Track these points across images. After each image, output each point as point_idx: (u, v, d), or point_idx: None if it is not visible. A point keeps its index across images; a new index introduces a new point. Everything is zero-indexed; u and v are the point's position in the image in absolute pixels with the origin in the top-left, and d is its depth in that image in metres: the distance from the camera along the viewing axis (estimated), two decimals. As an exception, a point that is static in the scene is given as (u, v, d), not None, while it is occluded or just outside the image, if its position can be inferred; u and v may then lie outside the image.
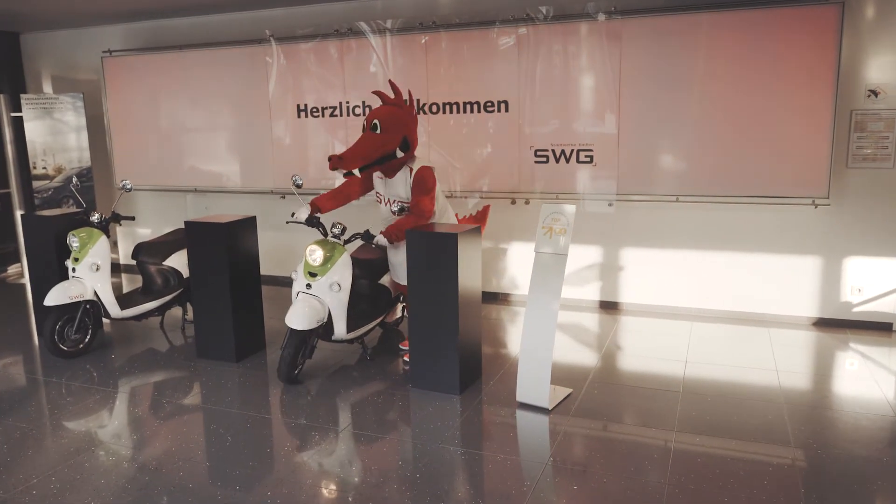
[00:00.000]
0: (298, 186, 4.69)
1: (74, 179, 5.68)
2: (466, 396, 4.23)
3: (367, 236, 4.43)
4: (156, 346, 5.33)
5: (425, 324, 4.26)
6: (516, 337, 5.41)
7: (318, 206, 4.64)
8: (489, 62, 5.91)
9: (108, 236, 5.20)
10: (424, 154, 6.17)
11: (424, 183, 4.51)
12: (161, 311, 5.44)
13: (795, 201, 5.28)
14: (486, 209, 5.43)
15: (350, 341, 4.69)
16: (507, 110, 5.93)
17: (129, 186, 5.29)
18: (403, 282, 4.71)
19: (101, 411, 4.14)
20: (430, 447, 3.59)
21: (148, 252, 5.41)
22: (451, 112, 6.12)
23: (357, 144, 4.43)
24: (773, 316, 5.66)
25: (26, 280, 7.68)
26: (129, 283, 7.45)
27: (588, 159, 5.75)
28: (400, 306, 5.41)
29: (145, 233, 7.76)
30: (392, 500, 3.10)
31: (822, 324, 5.54)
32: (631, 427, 3.82)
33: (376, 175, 4.75)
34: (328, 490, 3.22)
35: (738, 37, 5.19)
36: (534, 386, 4.03)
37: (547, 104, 5.80)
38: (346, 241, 4.51)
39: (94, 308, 5.08)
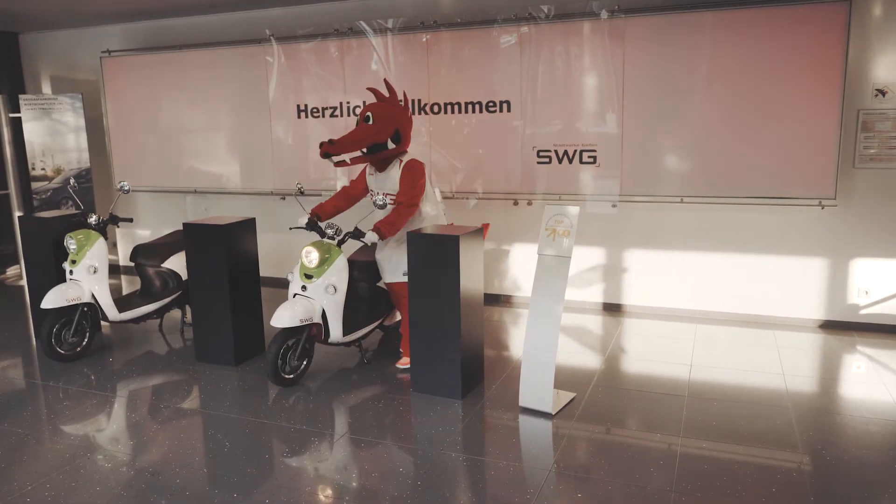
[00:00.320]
0: (302, 192, 4.65)
1: (72, 181, 5.62)
2: (468, 401, 4.17)
3: (357, 234, 4.36)
4: (154, 350, 5.28)
5: (427, 327, 4.20)
6: (519, 339, 5.35)
7: (317, 213, 4.64)
8: (491, 62, 5.85)
9: (106, 238, 5.15)
10: (426, 154, 6.12)
11: (412, 173, 4.48)
12: (160, 313, 5.38)
13: (802, 202, 5.21)
14: (484, 228, 5.26)
15: (347, 344, 4.64)
16: (509, 110, 5.87)
17: (126, 188, 5.24)
18: (389, 279, 4.67)
19: (98, 416, 4.09)
20: (431, 453, 3.53)
21: (146, 254, 5.35)
22: (452, 112, 6.06)
23: (348, 133, 4.47)
24: (778, 318, 5.59)
25: (25, 282, 7.63)
26: (128, 285, 7.41)
27: (591, 160, 5.69)
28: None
29: (145, 234, 7.71)
30: (392, 509, 3.04)
31: (829, 326, 5.47)
32: (636, 432, 3.75)
33: (368, 172, 4.73)
34: (326, 497, 3.16)
35: (743, 35, 5.13)
36: (537, 390, 3.96)
37: (549, 104, 5.74)
38: (340, 242, 4.45)
39: (91, 311, 5.03)
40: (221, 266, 4.69)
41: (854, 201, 5.25)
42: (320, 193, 6.29)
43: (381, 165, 4.58)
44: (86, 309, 4.98)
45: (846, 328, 5.42)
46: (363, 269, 4.72)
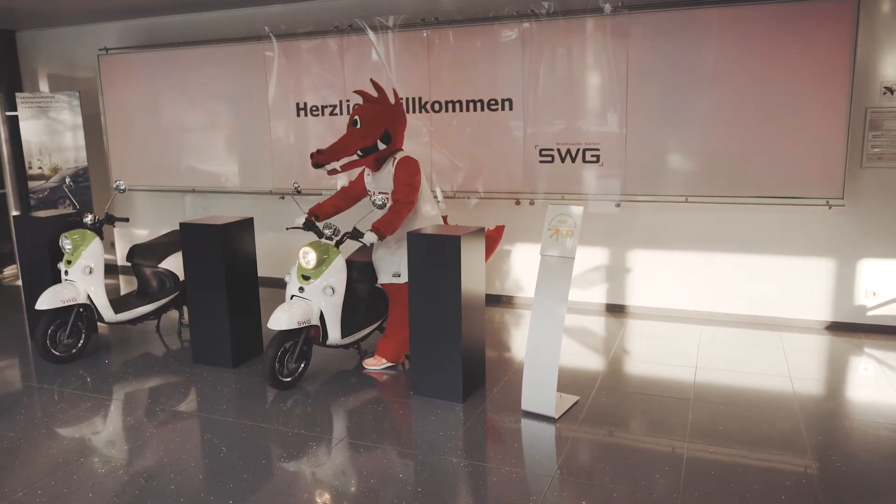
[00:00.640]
0: (298, 192, 4.59)
1: (67, 180, 5.55)
2: (469, 404, 4.09)
3: (355, 234, 4.29)
4: (152, 351, 5.20)
5: (427, 328, 4.12)
6: (521, 341, 5.28)
7: (315, 212, 4.58)
8: (493, 59, 5.77)
9: (102, 238, 5.08)
10: (426, 154, 6.05)
11: (405, 170, 4.43)
12: (157, 314, 5.31)
13: (809, 202, 5.12)
14: (499, 229, 5.16)
15: (346, 346, 4.56)
16: (511, 108, 5.78)
17: (122, 187, 5.16)
18: (382, 280, 4.62)
19: (92, 419, 4.02)
20: (432, 458, 3.46)
21: (143, 254, 5.28)
22: (453, 110, 5.98)
23: (337, 140, 4.45)
24: (784, 320, 5.51)
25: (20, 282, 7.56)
26: (126, 286, 7.33)
27: (594, 159, 5.61)
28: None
29: (143, 234, 7.63)
30: (392, 516, 2.97)
31: (836, 328, 5.39)
32: (641, 437, 3.68)
33: (366, 172, 4.70)
34: (325, 504, 3.09)
35: (749, 32, 5.04)
36: (540, 394, 3.89)
37: (552, 102, 5.65)
38: (338, 243, 4.38)
39: (87, 312, 4.95)
40: (219, 266, 4.62)
41: (862, 201, 5.17)
42: (321, 193, 6.22)
43: (377, 165, 4.55)
44: (81, 310, 4.91)
45: (853, 330, 5.33)
46: (362, 270, 4.65)
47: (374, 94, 4.56)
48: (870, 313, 5.32)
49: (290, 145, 6.66)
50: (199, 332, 4.82)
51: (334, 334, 4.36)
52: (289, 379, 4.32)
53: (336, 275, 4.33)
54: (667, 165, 5.44)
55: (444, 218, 4.85)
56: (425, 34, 5.94)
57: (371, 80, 4.72)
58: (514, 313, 6.08)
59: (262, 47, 6.55)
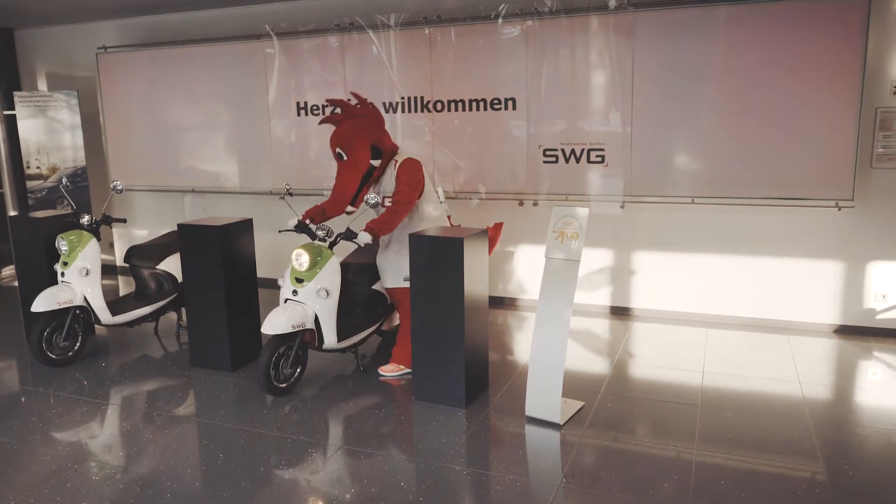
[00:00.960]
0: (290, 193, 4.52)
1: (64, 180, 5.48)
2: (472, 410, 4.01)
3: (349, 234, 4.20)
4: (149, 354, 5.13)
5: (429, 331, 4.04)
6: (524, 344, 5.19)
7: (310, 215, 4.44)
8: (496, 58, 5.69)
9: (99, 239, 5.00)
10: (428, 153, 5.97)
11: (407, 171, 4.34)
12: (155, 316, 5.24)
13: (818, 203, 5.03)
14: (498, 227, 5.09)
15: (342, 350, 4.48)
16: (514, 108, 5.70)
17: (119, 187, 5.08)
18: (390, 285, 4.53)
19: (88, 424, 3.94)
20: (434, 466, 3.37)
21: (140, 255, 5.21)
22: (456, 110, 5.90)
23: (335, 186, 4.39)
24: (792, 323, 5.42)
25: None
26: (126, 286, 7.26)
27: (599, 159, 5.53)
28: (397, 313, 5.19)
29: (142, 234, 7.56)
30: (393, 526, 2.89)
31: (845, 331, 5.30)
32: (648, 443, 3.59)
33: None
34: (325, 514, 3.01)
35: (757, 31, 4.95)
36: (544, 399, 3.80)
37: (556, 102, 5.57)
38: (332, 244, 4.29)
39: (84, 314, 4.88)
40: (218, 268, 4.55)
41: (872, 202, 5.08)
42: (322, 193, 6.15)
43: (380, 175, 4.47)
44: (78, 312, 4.83)
45: (862, 333, 5.24)
46: (358, 272, 4.56)
47: (339, 110, 4.48)
48: (879, 316, 5.23)
49: (291, 145, 6.58)
50: (197, 335, 4.74)
51: (330, 338, 4.28)
52: (284, 385, 4.23)
53: (330, 277, 4.24)
54: (673, 166, 5.36)
55: (449, 218, 4.76)
56: (427, 32, 5.86)
57: (326, 99, 4.77)
58: (517, 315, 6.00)
59: (262, 46, 6.47)
